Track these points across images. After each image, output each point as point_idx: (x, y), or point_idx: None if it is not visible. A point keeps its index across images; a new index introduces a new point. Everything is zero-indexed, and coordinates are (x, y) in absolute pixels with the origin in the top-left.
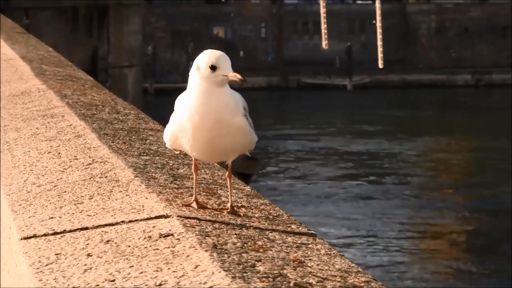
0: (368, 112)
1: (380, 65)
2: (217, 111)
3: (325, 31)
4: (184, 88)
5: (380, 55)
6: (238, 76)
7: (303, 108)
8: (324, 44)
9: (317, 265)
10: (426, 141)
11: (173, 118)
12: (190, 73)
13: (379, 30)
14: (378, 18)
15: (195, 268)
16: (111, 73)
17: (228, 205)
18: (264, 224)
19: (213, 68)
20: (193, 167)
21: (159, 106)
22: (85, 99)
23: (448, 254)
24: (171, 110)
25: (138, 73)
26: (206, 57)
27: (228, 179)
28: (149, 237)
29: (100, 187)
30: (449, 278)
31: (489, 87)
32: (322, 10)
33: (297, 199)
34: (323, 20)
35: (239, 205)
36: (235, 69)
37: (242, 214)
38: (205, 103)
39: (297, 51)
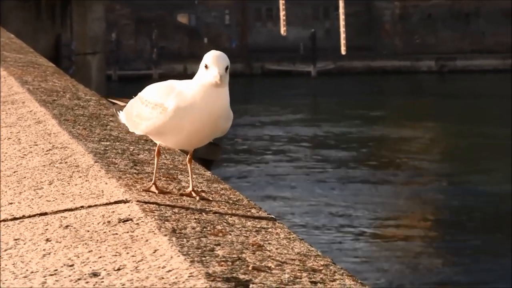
0: (332, 98)
1: (343, 52)
2: (214, 117)
3: (284, 17)
4: (148, 75)
5: (343, 42)
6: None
7: (267, 95)
8: (283, 30)
9: (276, 249)
10: (390, 127)
11: (157, 109)
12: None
13: (342, 17)
14: (341, 4)
15: (153, 252)
16: (74, 60)
17: (189, 189)
18: (224, 208)
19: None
20: (156, 152)
21: (123, 93)
22: (46, 86)
23: (412, 240)
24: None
25: (102, 60)
26: (206, 56)
27: (188, 164)
28: (108, 222)
29: (60, 173)
30: (418, 263)
31: (453, 73)
32: None
33: (259, 184)
34: (282, 6)
35: (199, 190)
36: (200, 55)
37: (201, 197)
38: (201, 104)
39: (261, 38)
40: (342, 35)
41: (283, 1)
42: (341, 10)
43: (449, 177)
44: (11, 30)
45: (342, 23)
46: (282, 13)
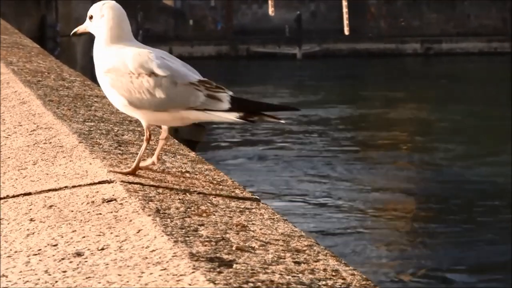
0: (317, 81)
1: (346, 32)
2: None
3: None
4: None
5: (346, 22)
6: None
7: (253, 77)
8: (271, 11)
9: (260, 229)
10: (376, 109)
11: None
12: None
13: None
14: None
15: (137, 232)
16: (59, 41)
17: (133, 166)
18: (208, 189)
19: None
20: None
21: None
22: (31, 66)
23: (395, 221)
24: None
25: (87, 42)
26: None
27: (144, 142)
28: (92, 202)
29: (44, 153)
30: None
31: (438, 56)
32: None
33: (243, 166)
34: None
35: (184, 170)
36: (186, 38)
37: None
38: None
39: (246, 20)
40: (345, 16)
41: None
42: None
43: (429, 157)
44: None
45: (344, 3)
46: None
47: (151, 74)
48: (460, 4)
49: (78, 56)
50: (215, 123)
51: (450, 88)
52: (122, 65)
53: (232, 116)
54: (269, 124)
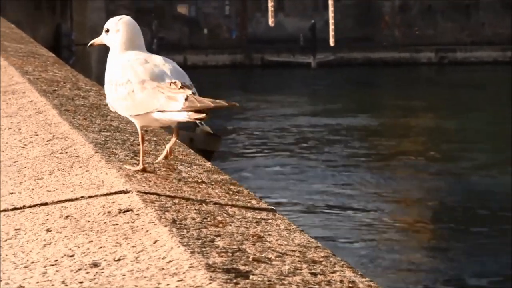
0: (331, 90)
1: (332, 43)
2: None
3: (272, 8)
4: None
5: (331, 33)
6: None
7: (267, 86)
8: (271, 21)
9: (276, 240)
10: (391, 119)
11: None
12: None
13: (331, 8)
14: None
15: (154, 243)
16: (74, 50)
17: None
18: (224, 199)
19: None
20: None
21: None
22: (47, 76)
23: (412, 232)
24: None
25: (102, 51)
26: None
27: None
28: (109, 212)
29: (60, 163)
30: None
31: (452, 65)
32: None
33: (259, 176)
34: None
35: (200, 180)
36: (200, 46)
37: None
38: None
39: (261, 29)
40: (331, 27)
41: None
42: (330, 2)
43: (446, 167)
44: (11, 20)
45: (331, 14)
46: (270, 4)
47: (128, 81)
48: (475, 13)
49: (93, 64)
50: (181, 123)
51: (465, 97)
52: (112, 75)
53: (182, 116)
54: (283, 133)
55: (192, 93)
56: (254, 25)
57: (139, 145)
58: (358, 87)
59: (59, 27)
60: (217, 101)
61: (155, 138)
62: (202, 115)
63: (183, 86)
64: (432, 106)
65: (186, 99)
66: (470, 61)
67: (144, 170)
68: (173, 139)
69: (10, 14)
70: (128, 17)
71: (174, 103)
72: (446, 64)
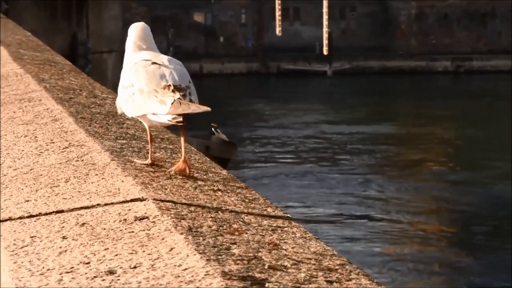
0: (348, 98)
1: (325, 52)
2: None
3: (279, 18)
4: None
5: (325, 42)
6: None
7: (284, 94)
8: (278, 30)
9: (292, 248)
10: (407, 127)
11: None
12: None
13: (325, 16)
14: (325, 3)
15: (170, 250)
16: (90, 58)
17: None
18: (240, 207)
19: None
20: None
21: None
22: (63, 83)
23: (430, 241)
24: None
25: (118, 59)
26: None
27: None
28: (125, 220)
29: (76, 171)
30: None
31: (469, 74)
32: None
33: (275, 183)
34: (277, 6)
35: (215, 188)
36: (216, 55)
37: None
38: None
39: (277, 37)
40: (325, 35)
41: (279, 1)
42: (325, 10)
43: (462, 177)
44: (27, 28)
45: (325, 22)
46: (278, 13)
47: (130, 84)
48: (491, 22)
49: (109, 73)
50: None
51: (482, 106)
52: (121, 77)
53: (166, 119)
54: (299, 141)
55: (183, 95)
56: (270, 34)
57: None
58: (374, 96)
59: (75, 36)
60: (192, 106)
61: (171, 146)
62: (180, 119)
63: (174, 90)
64: (450, 115)
65: (172, 103)
66: (486, 70)
67: (152, 164)
68: (182, 138)
69: (26, 23)
70: (139, 23)
71: (163, 106)
72: (462, 73)
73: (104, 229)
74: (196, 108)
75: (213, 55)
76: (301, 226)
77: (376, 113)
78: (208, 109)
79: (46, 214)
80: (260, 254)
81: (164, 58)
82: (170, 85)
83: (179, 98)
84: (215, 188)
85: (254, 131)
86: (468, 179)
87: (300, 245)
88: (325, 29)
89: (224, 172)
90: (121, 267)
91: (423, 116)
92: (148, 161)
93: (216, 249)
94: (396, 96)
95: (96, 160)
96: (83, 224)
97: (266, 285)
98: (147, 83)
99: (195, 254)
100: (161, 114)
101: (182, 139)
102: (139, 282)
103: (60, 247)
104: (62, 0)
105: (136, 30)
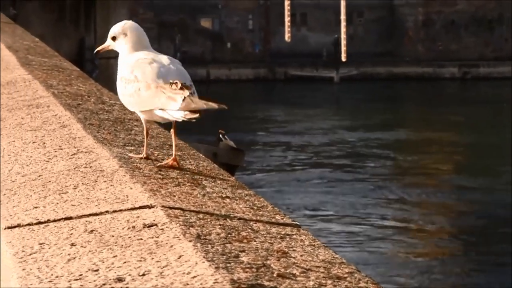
0: (355, 104)
1: (344, 59)
2: None
3: (289, 23)
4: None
5: (343, 48)
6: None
7: (291, 100)
8: (287, 36)
9: (301, 256)
10: (414, 134)
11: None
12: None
13: (343, 24)
14: (343, 10)
15: (178, 258)
16: (98, 63)
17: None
18: (248, 215)
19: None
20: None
21: None
22: (71, 90)
23: (434, 249)
24: None
25: None
26: None
27: (173, 136)
28: (133, 227)
29: (84, 177)
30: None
31: (476, 80)
32: (287, 3)
33: (283, 190)
34: (287, 12)
35: (224, 196)
36: (223, 60)
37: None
38: None
39: (284, 43)
40: (343, 42)
41: (289, 7)
42: (343, 17)
43: (470, 183)
44: (35, 33)
45: (343, 29)
46: (287, 19)
47: (135, 79)
48: (498, 28)
49: (116, 78)
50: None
51: (490, 113)
52: (122, 73)
53: (179, 115)
54: (307, 148)
55: (191, 93)
56: (277, 40)
57: (144, 138)
58: (382, 102)
59: (83, 40)
60: (210, 103)
61: (179, 153)
62: (196, 115)
63: (183, 87)
64: (458, 121)
65: (183, 100)
66: (493, 77)
67: (147, 158)
68: (173, 135)
69: (34, 28)
70: (131, 21)
71: (173, 103)
72: (469, 80)
73: (113, 236)
74: (213, 105)
75: (220, 61)
76: (309, 233)
77: (384, 119)
78: (225, 107)
79: (54, 220)
80: (268, 262)
81: (164, 58)
82: (177, 82)
83: (189, 95)
84: (224, 195)
85: (261, 137)
86: (476, 185)
87: (309, 253)
88: (343, 36)
89: (232, 179)
90: (129, 275)
91: (431, 122)
92: (143, 154)
93: (224, 256)
94: (404, 102)
95: (105, 167)
96: (91, 231)
97: None
98: (155, 78)
99: (203, 262)
100: (172, 110)
101: (173, 136)
102: None
103: (69, 254)
104: (70, 5)
105: (135, 30)
